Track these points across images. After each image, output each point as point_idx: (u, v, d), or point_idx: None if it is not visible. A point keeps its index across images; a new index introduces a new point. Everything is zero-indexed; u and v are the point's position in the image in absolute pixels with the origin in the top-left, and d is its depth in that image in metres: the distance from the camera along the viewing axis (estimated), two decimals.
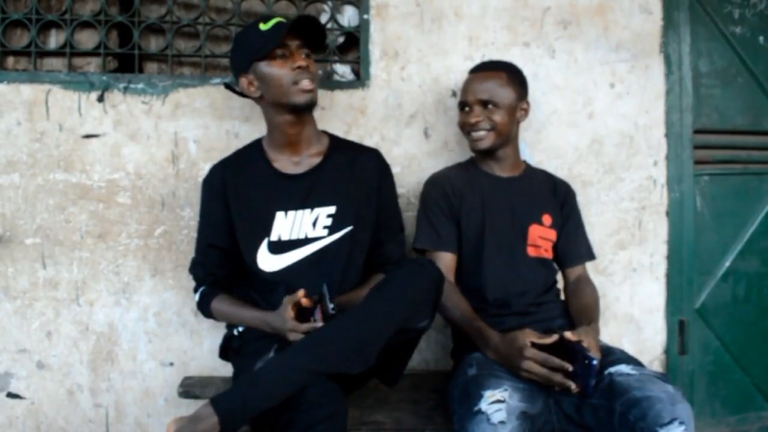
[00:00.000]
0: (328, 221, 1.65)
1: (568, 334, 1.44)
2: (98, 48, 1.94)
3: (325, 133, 1.76)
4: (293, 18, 1.59)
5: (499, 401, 1.36)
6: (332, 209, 1.66)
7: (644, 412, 1.32)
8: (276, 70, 1.57)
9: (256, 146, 1.73)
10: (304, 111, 1.62)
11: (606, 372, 1.45)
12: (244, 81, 1.62)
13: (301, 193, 1.66)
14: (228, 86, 1.73)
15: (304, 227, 1.64)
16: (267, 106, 1.65)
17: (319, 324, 1.41)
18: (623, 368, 1.46)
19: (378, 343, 1.36)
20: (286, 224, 1.64)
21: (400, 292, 1.40)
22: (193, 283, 1.74)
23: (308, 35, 1.61)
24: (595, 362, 1.37)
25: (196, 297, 1.72)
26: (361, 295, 1.58)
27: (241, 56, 1.62)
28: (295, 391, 1.29)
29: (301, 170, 1.68)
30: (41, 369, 1.92)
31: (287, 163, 1.68)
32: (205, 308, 1.70)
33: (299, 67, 1.56)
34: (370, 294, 1.43)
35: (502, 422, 1.31)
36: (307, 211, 1.65)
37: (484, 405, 1.36)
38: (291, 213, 1.64)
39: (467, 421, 1.36)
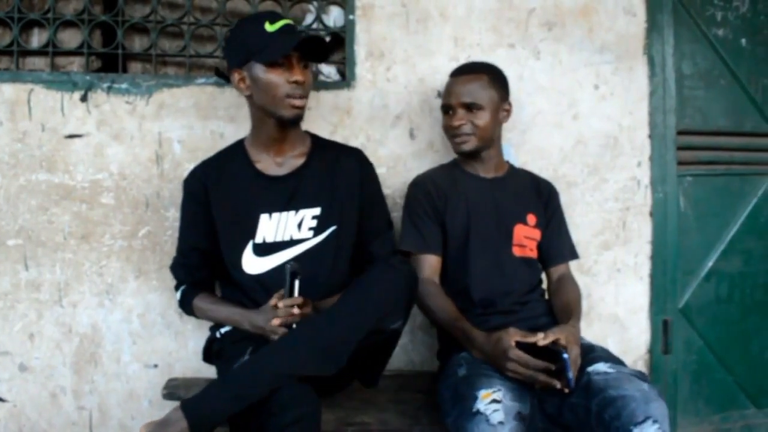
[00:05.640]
0: (313, 223, 1.65)
1: (541, 343, 1.45)
2: (81, 47, 1.93)
3: (307, 133, 1.76)
4: (302, 33, 1.55)
5: (495, 401, 1.36)
6: (317, 210, 1.65)
7: (618, 412, 1.33)
8: (272, 78, 1.54)
9: (237, 147, 1.72)
10: (289, 124, 1.62)
11: (584, 371, 1.47)
12: (236, 76, 1.59)
13: (285, 194, 1.65)
14: (219, 72, 1.70)
15: (289, 229, 1.64)
16: (254, 107, 1.63)
17: (297, 299, 1.44)
18: (600, 367, 1.47)
19: (348, 344, 1.36)
20: (271, 226, 1.63)
21: (370, 293, 1.40)
22: (173, 287, 1.74)
23: (311, 45, 1.57)
24: (565, 355, 1.39)
25: (178, 295, 1.72)
26: None
27: (239, 51, 1.57)
28: (265, 394, 1.29)
29: (285, 171, 1.67)
30: (23, 371, 1.90)
31: (270, 164, 1.67)
32: (186, 306, 1.71)
33: (296, 82, 1.54)
34: (342, 296, 1.43)
35: (501, 423, 1.32)
36: (292, 212, 1.64)
37: (481, 405, 1.36)
38: (275, 215, 1.64)
39: (465, 421, 1.37)
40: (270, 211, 1.64)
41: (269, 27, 1.53)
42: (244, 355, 1.46)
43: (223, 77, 1.67)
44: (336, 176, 1.69)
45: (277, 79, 1.54)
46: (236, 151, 1.70)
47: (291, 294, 1.45)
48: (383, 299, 1.40)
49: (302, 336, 1.37)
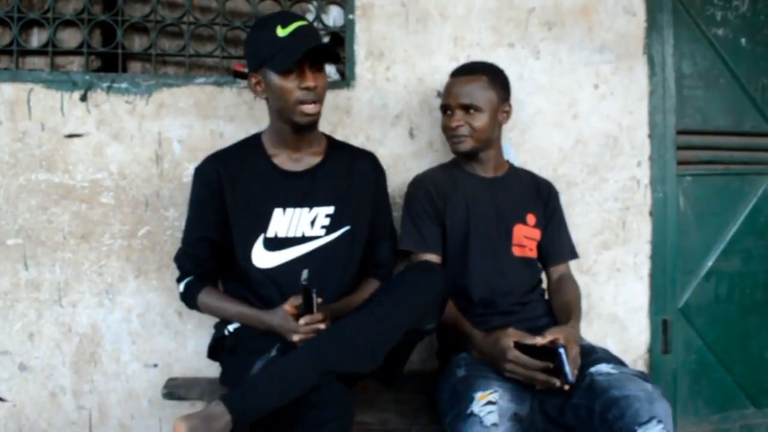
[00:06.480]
0: (326, 221, 1.65)
1: (540, 343, 1.45)
2: (81, 47, 1.93)
3: (322, 133, 1.76)
4: (314, 36, 1.56)
5: (490, 402, 1.37)
6: (331, 209, 1.66)
7: (622, 412, 1.33)
8: (284, 84, 1.54)
9: (254, 140, 1.72)
10: (303, 130, 1.62)
11: (586, 372, 1.47)
12: (252, 80, 1.60)
13: (300, 191, 1.65)
14: (237, 73, 1.68)
15: (302, 226, 1.64)
16: (271, 109, 1.64)
17: (317, 316, 1.43)
18: (603, 368, 1.47)
19: (388, 343, 1.38)
20: (284, 221, 1.63)
21: (412, 294, 1.42)
22: (175, 280, 1.73)
23: (324, 48, 1.57)
24: (560, 350, 1.39)
25: (181, 287, 1.70)
26: (355, 301, 1.60)
27: (252, 56, 1.59)
28: (307, 390, 1.29)
29: (301, 168, 1.68)
30: (23, 371, 1.90)
31: (287, 160, 1.68)
32: (190, 300, 1.69)
33: (307, 88, 1.54)
34: (379, 295, 1.45)
35: (494, 424, 1.32)
36: (306, 209, 1.65)
37: (476, 407, 1.36)
38: (289, 210, 1.64)
39: (460, 423, 1.37)
40: (284, 206, 1.64)
41: (281, 31, 1.52)
42: (270, 350, 1.47)
43: (242, 77, 1.67)
44: (351, 178, 1.70)
45: (289, 85, 1.54)
46: (252, 144, 1.70)
47: (310, 308, 1.44)
48: (423, 300, 1.43)
49: (344, 334, 1.38)
